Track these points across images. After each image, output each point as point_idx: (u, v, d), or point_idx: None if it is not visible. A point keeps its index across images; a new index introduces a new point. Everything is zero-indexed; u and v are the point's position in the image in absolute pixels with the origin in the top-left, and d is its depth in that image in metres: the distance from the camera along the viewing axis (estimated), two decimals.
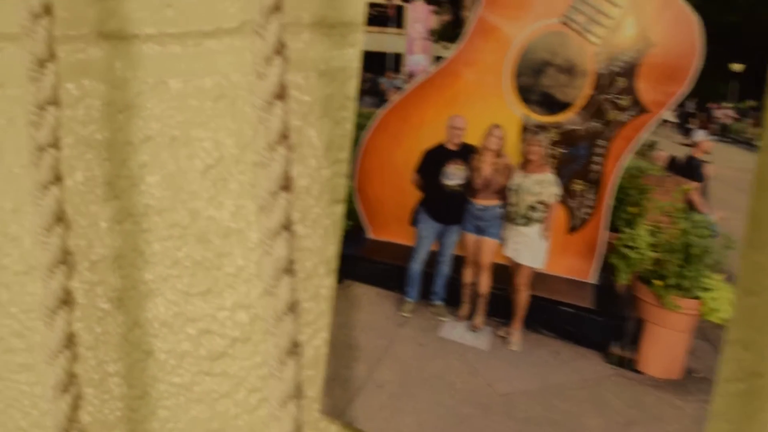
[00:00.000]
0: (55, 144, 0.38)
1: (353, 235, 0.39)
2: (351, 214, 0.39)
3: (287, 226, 0.36)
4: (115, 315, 0.42)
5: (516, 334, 0.35)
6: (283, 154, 0.35)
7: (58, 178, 0.38)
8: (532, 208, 0.34)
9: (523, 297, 0.34)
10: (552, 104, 0.33)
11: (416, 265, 0.37)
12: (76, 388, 0.39)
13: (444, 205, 0.37)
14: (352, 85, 0.39)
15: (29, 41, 0.38)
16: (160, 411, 0.42)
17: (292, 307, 0.36)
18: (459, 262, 0.36)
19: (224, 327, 0.41)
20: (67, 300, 0.38)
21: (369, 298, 0.39)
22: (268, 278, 0.36)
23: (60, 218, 0.38)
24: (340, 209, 0.39)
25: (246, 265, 0.40)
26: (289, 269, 0.36)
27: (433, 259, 0.37)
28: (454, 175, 0.36)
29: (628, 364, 0.32)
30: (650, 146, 0.32)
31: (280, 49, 0.35)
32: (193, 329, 0.41)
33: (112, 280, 0.42)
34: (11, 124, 0.42)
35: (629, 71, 0.32)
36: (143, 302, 0.41)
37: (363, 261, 0.39)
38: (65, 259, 0.38)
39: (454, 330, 0.36)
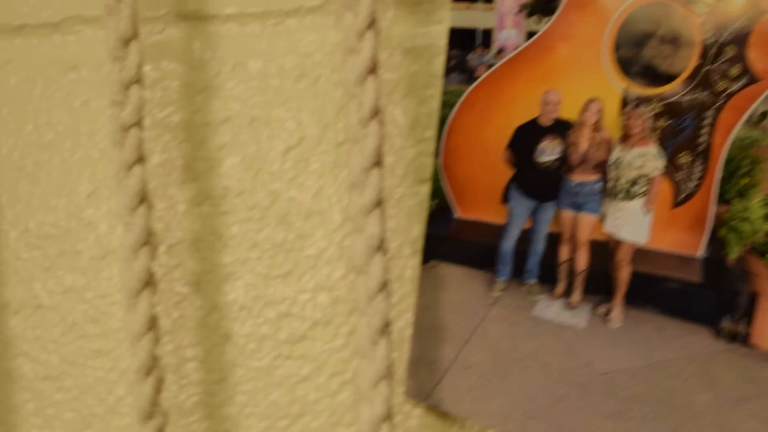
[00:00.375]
0: (139, 123, 0.37)
1: (439, 214, 0.38)
2: (436, 194, 0.38)
3: (379, 203, 0.35)
4: (193, 299, 0.41)
5: (616, 311, 0.34)
6: (376, 129, 0.35)
7: (141, 159, 0.38)
8: (634, 182, 0.34)
9: (624, 273, 0.34)
10: (655, 76, 0.33)
11: (508, 244, 0.37)
12: (158, 371, 0.38)
13: (538, 181, 0.36)
14: (439, 62, 0.38)
15: (113, 20, 0.37)
16: (238, 396, 0.41)
17: (384, 286, 0.36)
18: (554, 240, 0.36)
19: (305, 310, 0.40)
20: (149, 282, 0.38)
21: (456, 278, 0.38)
22: (360, 257, 0.35)
23: (143, 199, 0.38)
24: (425, 189, 0.39)
25: (328, 246, 0.40)
26: (381, 247, 0.35)
27: (525, 238, 0.36)
28: (548, 152, 0.36)
29: (741, 339, 0.31)
30: (763, 116, 0.31)
31: (372, 23, 0.35)
32: (273, 312, 0.40)
33: (189, 264, 0.41)
34: (86, 107, 0.42)
35: (739, 40, 0.31)
36: (222, 286, 0.41)
37: (450, 241, 0.38)
38: (148, 240, 0.38)
39: (549, 308, 0.36)
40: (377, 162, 0.35)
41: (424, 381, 0.39)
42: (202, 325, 0.41)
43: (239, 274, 0.41)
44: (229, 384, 0.41)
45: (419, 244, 0.39)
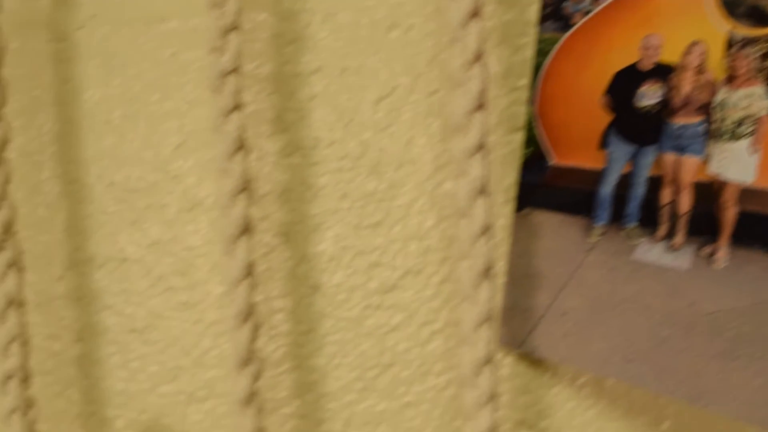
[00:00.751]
0: (237, 70, 0.38)
1: (533, 162, 0.38)
2: (530, 142, 0.38)
3: (482, 147, 0.36)
4: (282, 250, 0.41)
5: (722, 251, 0.34)
6: (479, 73, 0.35)
7: (238, 105, 0.38)
8: (740, 123, 0.34)
9: (730, 213, 0.34)
10: (761, 16, 0.33)
11: (607, 189, 0.37)
12: (255, 318, 0.38)
13: (638, 126, 0.36)
14: (533, 10, 0.38)
15: None
16: (327, 347, 0.41)
17: (486, 229, 0.36)
18: (655, 183, 0.36)
19: (395, 259, 0.40)
20: (247, 228, 0.38)
21: (552, 225, 0.38)
22: (463, 200, 0.36)
23: (241, 146, 0.38)
24: (518, 137, 0.39)
25: (419, 196, 0.40)
26: (484, 190, 0.36)
27: (624, 182, 0.36)
28: (649, 95, 0.36)
29: None
30: None
31: None
32: (363, 262, 0.41)
33: (278, 215, 0.41)
34: (174, 58, 0.42)
35: None
36: (311, 236, 0.41)
37: (544, 188, 0.38)
38: (246, 187, 0.38)
39: (651, 251, 0.36)
40: (481, 105, 0.35)
41: (518, 328, 0.39)
42: (291, 276, 0.42)
43: (329, 225, 0.41)
44: (317, 335, 0.42)
45: (512, 192, 0.39)
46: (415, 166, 0.40)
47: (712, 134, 0.35)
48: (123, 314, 0.44)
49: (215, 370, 0.43)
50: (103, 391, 0.44)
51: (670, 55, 0.35)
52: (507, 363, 0.40)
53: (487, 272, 0.36)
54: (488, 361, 0.36)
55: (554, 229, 0.38)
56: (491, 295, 0.36)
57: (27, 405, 0.41)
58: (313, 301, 0.41)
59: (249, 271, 0.38)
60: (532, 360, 0.39)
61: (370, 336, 0.41)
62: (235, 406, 0.38)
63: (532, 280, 0.39)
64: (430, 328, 0.40)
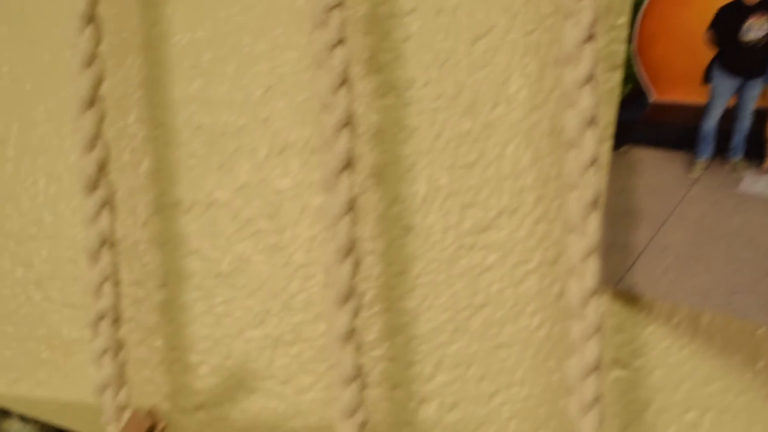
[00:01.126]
0: (341, 4, 0.38)
1: (632, 99, 0.39)
2: (628, 79, 0.39)
3: (591, 78, 0.36)
4: (374, 191, 0.41)
5: None
6: (591, 2, 0.35)
7: (342, 40, 0.38)
8: None
9: None
10: None
11: (710, 123, 0.37)
12: (356, 253, 0.38)
13: (744, 59, 0.36)
14: None
15: None
16: (419, 288, 0.41)
17: (595, 160, 0.36)
18: (761, 116, 0.36)
19: (490, 199, 0.40)
20: (349, 163, 0.38)
21: (652, 161, 0.38)
22: (572, 130, 0.36)
23: (345, 80, 0.38)
24: (617, 75, 0.39)
25: (515, 135, 0.40)
26: (592, 121, 0.36)
27: (728, 116, 0.37)
28: (755, 29, 0.36)
29: None
30: None
31: None
32: (457, 202, 0.41)
33: (371, 156, 0.41)
34: (265, 0, 0.42)
35: None
36: (404, 177, 0.41)
37: (644, 124, 0.38)
38: (349, 121, 0.38)
39: (756, 184, 0.36)
40: (591, 36, 0.36)
41: (616, 266, 0.39)
42: (383, 218, 0.42)
43: (422, 165, 0.41)
44: (409, 276, 0.42)
45: (610, 130, 0.39)
46: (511, 106, 0.40)
47: None
48: (209, 259, 0.44)
49: (303, 314, 0.43)
50: (187, 337, 0.44)
51: None
52: (601, 302, 0.40)
53: (595, 203, 0.36)
54: (595, 292, 0.36)
55: (654, 165, 0.38)
56: (599, 226, 0.36)
57: (118, 346, 0.41)
58: (406, 243, 0.41)
59: (350, 206, 0.38)
60: (627, 298, 0.40)
61: (463, 277, 0.41)
62: (334, 342, 0.38)
63: (631, 216, 0.39)
64: (524, 268, 0.41)
